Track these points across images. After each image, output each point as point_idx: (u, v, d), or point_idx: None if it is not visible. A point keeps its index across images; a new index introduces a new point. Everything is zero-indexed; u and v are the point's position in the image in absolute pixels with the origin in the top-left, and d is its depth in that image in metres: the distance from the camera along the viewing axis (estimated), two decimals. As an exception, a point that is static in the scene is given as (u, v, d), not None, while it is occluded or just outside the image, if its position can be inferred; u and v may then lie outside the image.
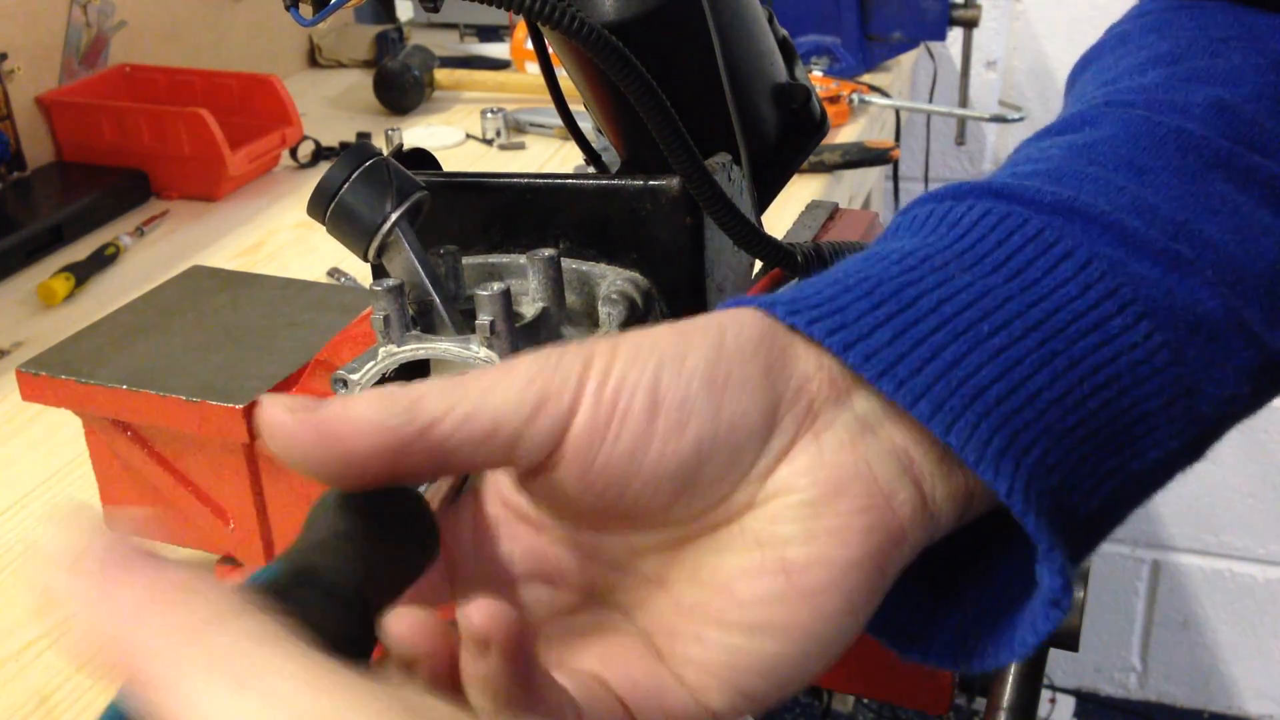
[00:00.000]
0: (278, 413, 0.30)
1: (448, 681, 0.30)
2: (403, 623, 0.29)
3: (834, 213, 0.79)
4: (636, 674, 0.33)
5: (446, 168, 0.61)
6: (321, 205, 0.52)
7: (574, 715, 0.32)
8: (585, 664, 0.34)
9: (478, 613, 0.29)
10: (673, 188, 0.54)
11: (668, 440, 0.32)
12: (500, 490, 0.37)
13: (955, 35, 1.78)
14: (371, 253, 0.52)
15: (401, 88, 1.65)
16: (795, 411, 0.33)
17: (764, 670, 0.33)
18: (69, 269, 1.17)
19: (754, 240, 0.53)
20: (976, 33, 1.78)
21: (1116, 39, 0.49)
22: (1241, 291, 0.37)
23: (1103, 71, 0.47)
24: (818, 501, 0.32)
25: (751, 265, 0.63)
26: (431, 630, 0.29)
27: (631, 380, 0.32)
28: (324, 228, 0.53)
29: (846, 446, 0.33)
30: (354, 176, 0.51)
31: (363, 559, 0.30)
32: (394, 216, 0.51)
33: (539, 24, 0.50)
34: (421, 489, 0.34)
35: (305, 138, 1.48)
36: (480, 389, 0.32)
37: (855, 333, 0.33)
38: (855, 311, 0.33)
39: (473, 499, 0.37)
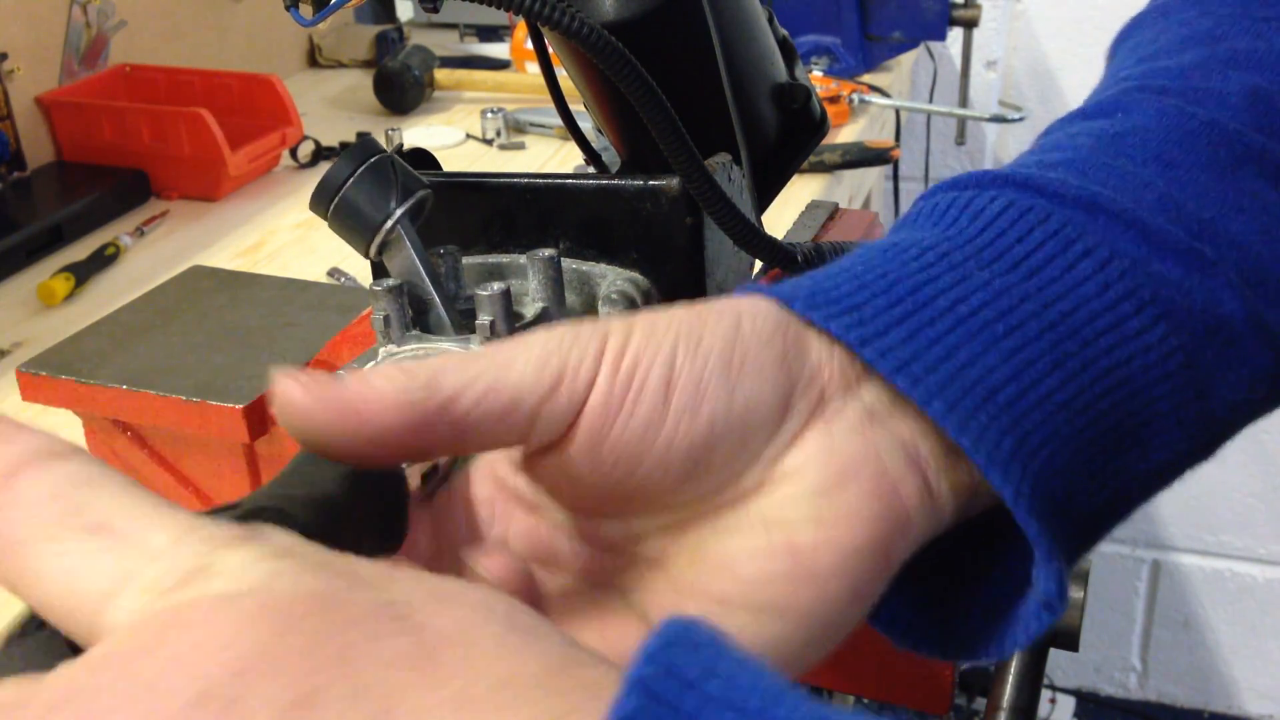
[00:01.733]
0: (293, 389, 0.29)
1: None
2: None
3: (834, 213, 0.79)
4: None
5: (446, 168, 0.61)
6: (324, 200, 0.52)
7: None
8: (585, 640, 0.33)
9: (495, 563, 0.29)
10: (673, 188, 0.54)
11: (681, 419, 0.32)
12: (494, 470, 0.37)
13: (955, 35, 1.78)
14: (373, 250, 0.52)
15: (401, 88, 1.65)
16: (808, 398, 0.33)
17: (766, 651, 0.32)
18: (69, 269, 1.17)
19: (754, 240, 0.53)
20: (976, 33, 1.78)
21: (1158, 10, 0.49)
22: (1264, 293, 0.36)
23: (1141, 46, 0.46)
24: (828, 486, 0.32)
25: (751, 265, 0.63)
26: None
27: (648, 357, 0.32)
28: (325, 224, 0.53)
29: (856, 434, 0.33)
30: (358, 172, 0.51)
31: (324, 527, 0.29)
32: (397, 214, 0.51)
33: (539, 24, 0.50)
34: (405, 466, 0.34)
35: (305, 138, 1.48)
36: (498, 363, 0.31)
37: (871, 330, 0.33)
38: (872, 309, 0.33)
39: (464, 478, 0.37)
